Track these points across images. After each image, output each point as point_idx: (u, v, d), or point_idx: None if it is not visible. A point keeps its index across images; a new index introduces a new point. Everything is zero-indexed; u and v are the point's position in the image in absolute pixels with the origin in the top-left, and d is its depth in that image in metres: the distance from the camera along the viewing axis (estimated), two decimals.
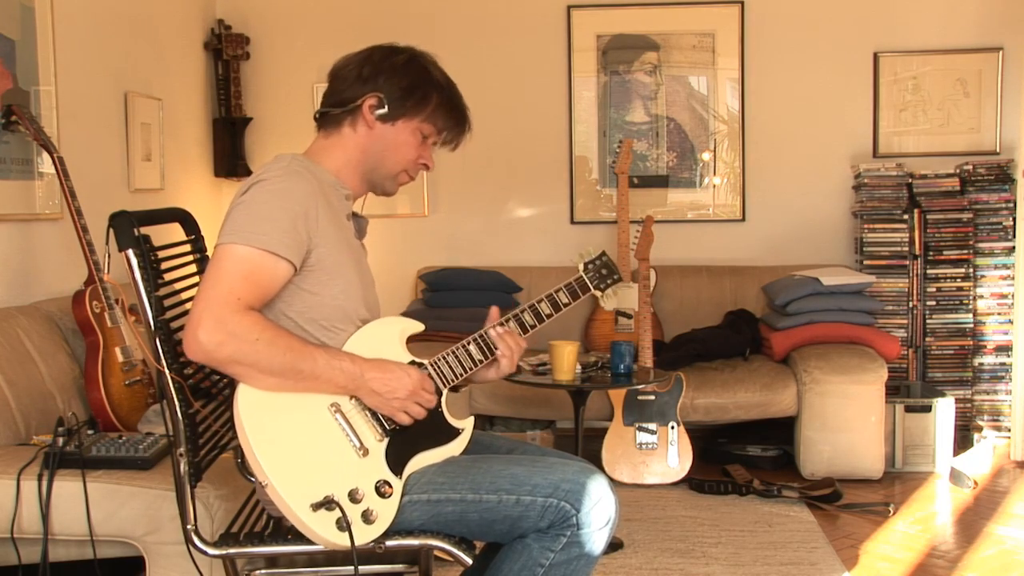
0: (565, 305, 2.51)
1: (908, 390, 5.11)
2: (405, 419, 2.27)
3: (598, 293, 2.57)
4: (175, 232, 2.59)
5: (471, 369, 2.40)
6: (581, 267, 2.57)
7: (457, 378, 2.39)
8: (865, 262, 5.46)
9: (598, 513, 2.23)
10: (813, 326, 5.08)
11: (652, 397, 4.64)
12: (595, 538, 2.24)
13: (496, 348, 2.42)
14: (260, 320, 2.15)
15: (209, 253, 2.60)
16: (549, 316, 2.49)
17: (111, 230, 2.26)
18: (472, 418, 2.44)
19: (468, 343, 2.41)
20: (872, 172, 5.50)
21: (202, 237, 2.67)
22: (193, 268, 2.52)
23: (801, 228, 5.80)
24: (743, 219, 5.88)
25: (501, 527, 2.25)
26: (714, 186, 5.91)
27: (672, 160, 5.91)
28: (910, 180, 5.47)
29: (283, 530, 2.34)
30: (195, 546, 2.28)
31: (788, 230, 5.83)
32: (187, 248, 2.56)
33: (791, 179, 5.83)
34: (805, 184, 5.81)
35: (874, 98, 5.73)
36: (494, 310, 2.50)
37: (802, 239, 5.80)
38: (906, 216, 5.42)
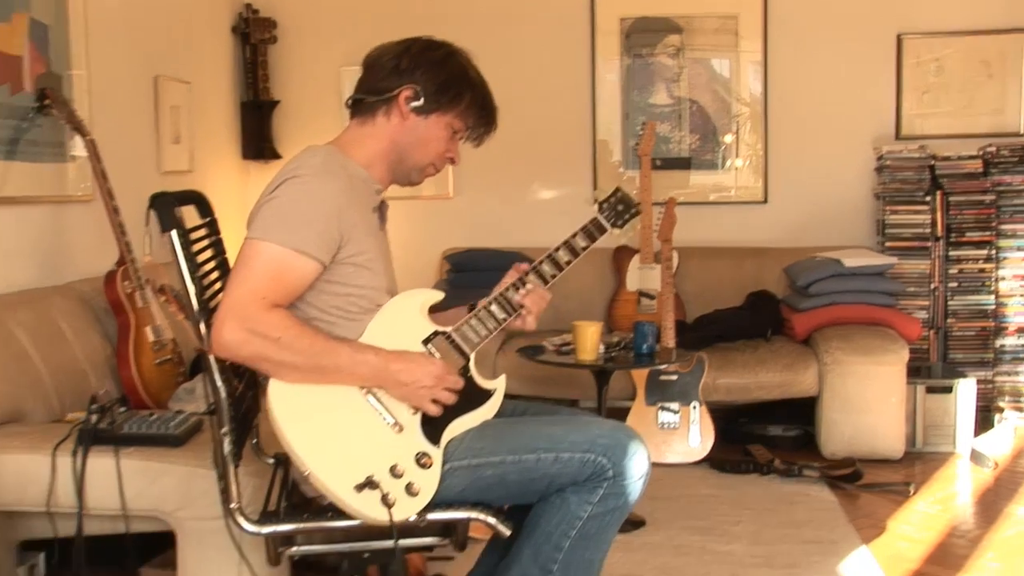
0: (583, 249, 2.50)
1: (929, 371, 5.11)
2: (433, 409, 2.28)
3: (616, 230, 2.57)
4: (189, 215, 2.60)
5: (494, 329, 2.41)
6: (596, 207, 2.56)
7: (482, 340, 2.40)
8: (887, 244, 5.44)
9: (634, 465, 2.27)
10: (835, 307, 5.06)
11: (674, 377, 4.64)
12: (631, 489, 2.28)
13: (519, 307, 2.43)
14: (284, 318, 2.17)
15: (223, 236, 2.64)
16: (568, 263, 2.48)
17: (152, 211, 2.27)
18: (503, 376, 2.45)
19: (489, 304, 2.43)
20: (894, 154, 5.48)
21: (216, 220, 2.68)
22: (209, 252, 2.53)
23: (823, 210, 5.78)
24: (765, 201, 5.86)
25: (540, 485, 2.29)
26: (736, 168, 5.90)
27: (694, 142, 5.91)
28: (933, 162, 5.43)
29: (319, 506, 2.36)
30: (238, 525, 2.30)
31: (810, 212, 5.81)
32: (203, 232, 2.57)
33: (813, 161, 5.81)
34: (827, 166, 5.79)
35: (897, 80, 5.69)
36: (519, 264, 2.51)
37: (824, 221, 5.77)
38: (928, 198, 5.39)
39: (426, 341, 2.37)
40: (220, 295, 2.46)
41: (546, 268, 2.47)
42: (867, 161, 5.70)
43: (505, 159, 5.88)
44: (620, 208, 2.59)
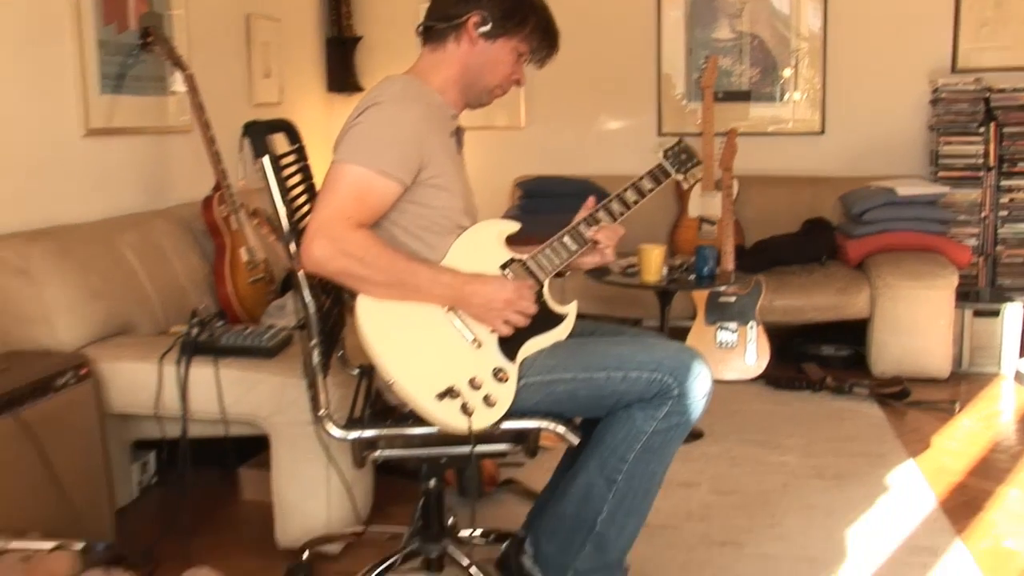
0: (649, 191, 2.50)
1: (977, 295, 5.03)
2: (505, 329, 2.29)
3: (679, 177, 2.56)
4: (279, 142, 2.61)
5: (567, 259, 2.42)
6: (661, 154, 2.55)
7: (555, 268, 2.40)
8: (939, 174, 5.31)
9: (698, 385, 2.28)
10: (888, 234, 4.99)
11: (733, 299, 4.61)
12: (694, 407, 2.29)
13: (590, 241, 2.43)
14: (369, 237, 2.19)
15: (311, 162, 2.65)
16: (635, 203, 2.48)
17: (245, 139, 2.29)
18: (575, 303, 2.44)
19: (563, 235, 2.43)
20: (950, 87, 5.32)
21: (304, 147, 2.69)
22: (298, 177, 2.54)
23: (878, 141, 5.66)
24: (822, 132, 5.75)
25: (608, 401, 2.30)
26: (794, 101, 5.78)
27: (755, 76, 5.80)
28: (988, 94, 5.27)
29: (400, 414, 2.39)
30: (326, 430, 2.33)
31: (866, 143, 5.69)
32: (292, 158, 2.58)
33: (870, 94, 5.67)
34: (883, 99, 5.64)
35: (955, 14, 5.49)
36: (591, 200, 2.49)
37: (879, 151, 5.65)
38: (982, 129, 5.24)
39: (503, 267, 2.37)
40: (308, 216, 2.48)
41: (615, 206, 2.47)
42: (922, 94, 5.54)
43: (574, 92, 5.88)
44: (683, 157, 2.58)
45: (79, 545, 2.47)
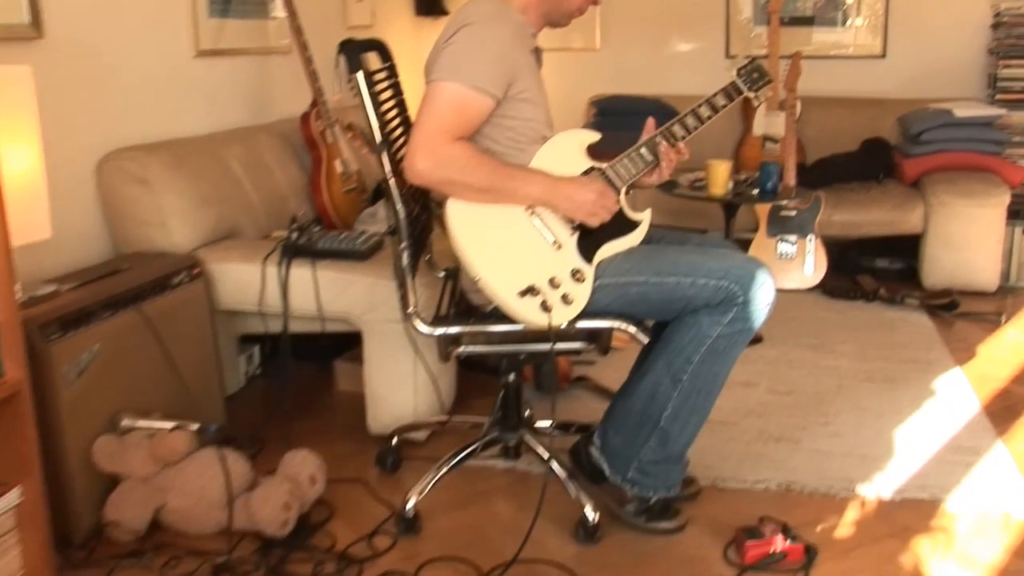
0: (722, 107, 2.45)
1: None
2: (595, 221, 2.30)
3: (751, 94, 2.50)
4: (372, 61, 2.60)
5: (642, 170, 2.39)
6: (734, 72, 2.49)
7: (631, 177, 2.38)
8: (997, 96, 5.12)
9: (762, 294, 2.27)
10: (943, 154, 4.86)
11: (793, 213, 4.55)
12: (757, 314, 2.28)
13: (660, 152, 2.40)
14: (467, 148, 2.20)
15: (401, 79, 2.65)
16: (708, 118, 2.43)
17: (341, 56, 2.29)
18: (649, 211, 2.43)
19: (639, 147, 2.40)
20: (1012, 11, 5.10)
21: (395, 65, 2.68)
22: (389, 92, 2.54)
23: (937, 64, 5.47)
24: (883, 56, 5.58)
25: (677, 305, 2.30)
26: (856, 26, 5.62)
27: (819, 1, 5.63)
28: None
29: (482, 313, 2.41)
30: (415, 327, 2.37)
31: (925, 66, 5.50)
32: (384, 75, 2.58)
33: (931, 18, 5.46)
34: (944, 23, 5.44)
35: None
36: (650, 121, 2.46)
37: (938, 75, 5.47)
38: None
39: (583, 174, 2.37)
40: (400, 130, 2.49)
41: (689, 120, 2.43)
42: (983, 18, 5.32)
43: (647, 15, 5.79)
44: (755, 76, 2.51)
45: (195, 426, 2.56)
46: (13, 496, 2.13)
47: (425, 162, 2.17)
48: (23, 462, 2.12)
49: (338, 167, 3.69)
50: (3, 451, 2.11)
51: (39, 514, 2.17)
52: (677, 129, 2.42)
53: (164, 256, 2.94)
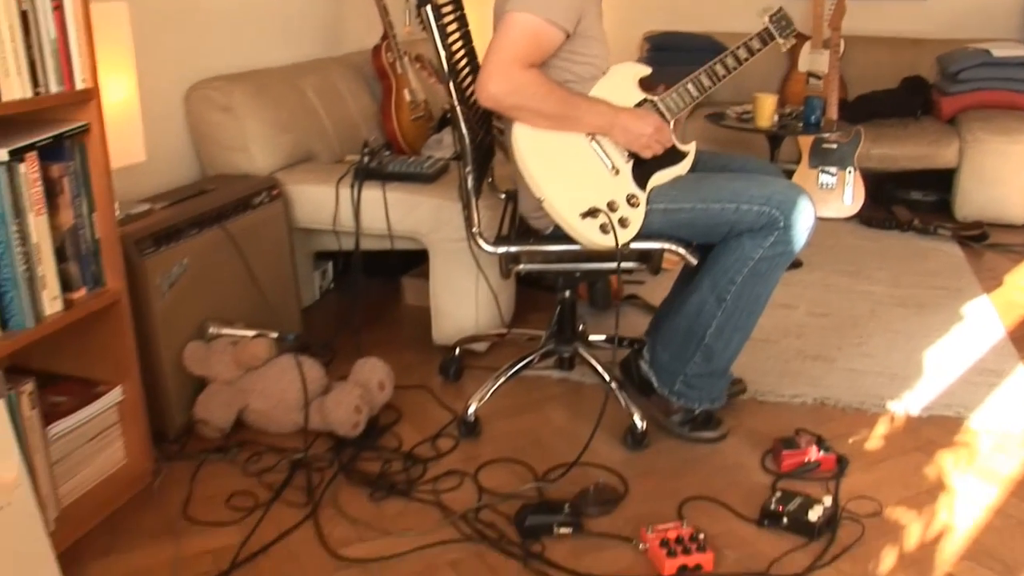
0: (757, 50, 2.44)
1: None
2: (648, 153, 2.28)
3: (780, 40, 2.49)
4: None
5: (690, 103, 2.37)
6: (767, 19, 2.48)
7: (680, 110, 2.36)
8: None
9: (802, 219, 2.23)
10: (980, 92, 4.71)
11: (835, 145, 4.47)
12: (797, 239, 2.24)
13: (709, 89, 2.37)
14: (538, 76, 2.17)
15: (467, 12, 2.60)
16: (745, 60, 2.41)
17: None
18: (695, 143, 2.41)
19: (687, 82, 2.38)
20: None
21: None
22: (455, 25, 2.50)
23: (976, 5, 5.26)
24: None
25: (722, 229, 2.27)
26: None
27: None
28: None
29: (541, 234, 2.40)
30: (478, 245, 2.37)
31: (964, 7, 5.29)
32: (451, 8, 2.54)
33: None
34: None
35: None
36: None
37: (976, 15, 5.26)
38: None
39: (636, 105, 2.33)
40: (465, 61, 2.45)
41: (729, 61, 2.40)
42: None
43: None
44: (783, 23, 2.50)
45: (274, 335, 2.60)
46: (115, 394, 2.18)
47: (498, 87, 2.14)
48: (123, 365, 2.17)
49: (407, 96, 3.67)
50: (105, 355, 2.16)
51: (138, 411, 2.22)
52: (719, 69, 2.40)
53: (246, 178, 2.95)
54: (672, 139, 2.33)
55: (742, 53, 2.42)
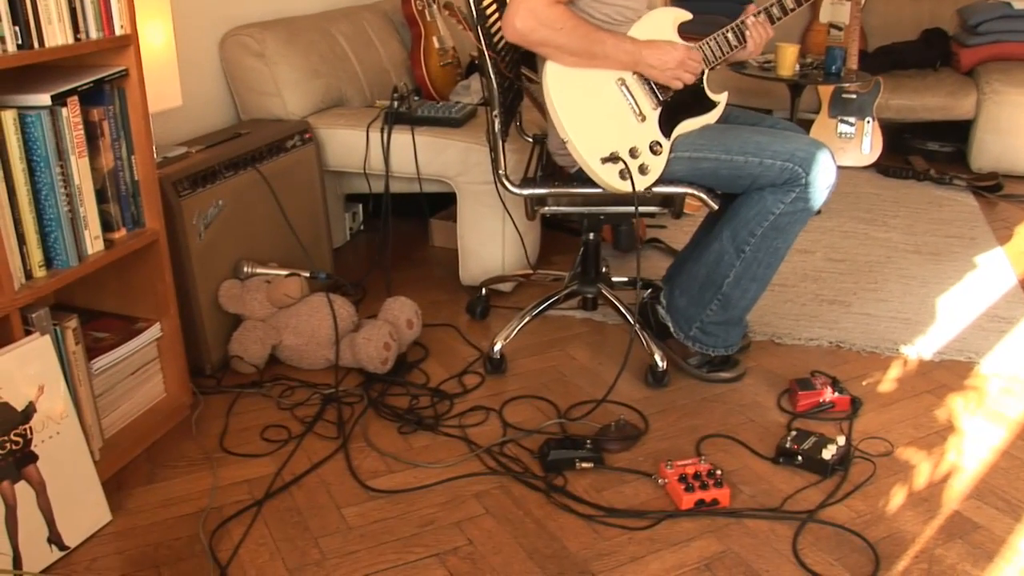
0: (805, 1, 2.31)
1: None
2: (678, 84, 2.21)
3: None
4: None
5: (728, 52, 2.28)
6: None
7: (717, 59, 2.28)
8: None
9: (823, 176, 2.18)
10: (999, 44, 4.61)
11: (854, 95, 4.39)
12: (817, 196, 2.19)
13: (748, 35, 2.28)
14: (564, 12, 2.10)
15: None
16: (792, 10, 2.30)
17: None
18: (726, 93, 2.34)
19: (727, 31, 2.28)
20: None
21: None
22: None
23: None
24: None
25: (744, 182, 2.23)
26: None
27: None
28: None
29: (567, 176, 2.37)
30: (506, 187, 2.33)
31: None
32: None
33: None
34: None
35: None
36: (750, 7, 2.33)
37: None
38: None
39: None
40: (493, 7, 2.40)
41: (775, 11, 2.29)
42: None
43: None
44: None
45: (306, 273, 2.59)
46: (155, 331, 2.18)
47: (524, 22, 2.08)
48: (162, 302, 2.17)
49: (435, 43, 3.61)
50: (144, 292, 2.16)
51: (176, 347, 2.23)
52: (763, 19, 2.29)
53: (279, 122, 2.92)
54: (702, 66, 2.25)
55: (789, 3, 2.29)
